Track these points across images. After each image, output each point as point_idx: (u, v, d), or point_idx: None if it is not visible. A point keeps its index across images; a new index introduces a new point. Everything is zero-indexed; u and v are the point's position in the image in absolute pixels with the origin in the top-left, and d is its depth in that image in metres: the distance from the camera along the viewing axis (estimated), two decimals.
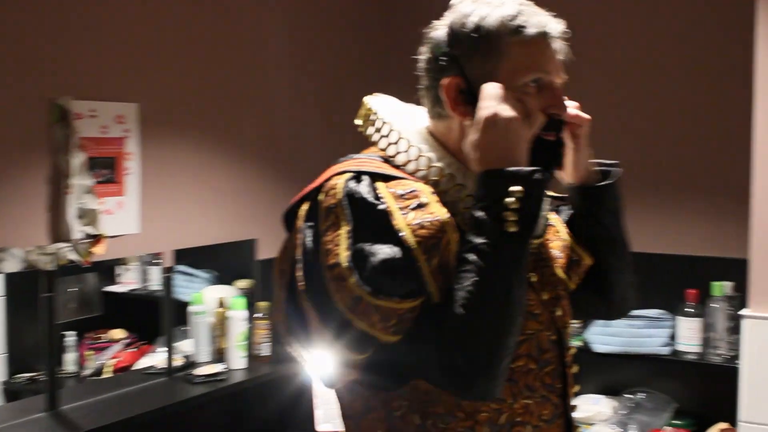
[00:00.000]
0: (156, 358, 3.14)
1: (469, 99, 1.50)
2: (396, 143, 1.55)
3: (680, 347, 3.27)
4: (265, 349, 3.28)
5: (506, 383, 1.49)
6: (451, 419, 1.50)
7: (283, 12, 3.54)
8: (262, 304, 3.29)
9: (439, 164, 1.52)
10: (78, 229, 2.72)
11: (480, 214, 1.41)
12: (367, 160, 1.53)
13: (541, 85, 1.50)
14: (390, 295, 1.39)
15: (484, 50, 1.49)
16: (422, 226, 1.40)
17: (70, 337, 3.04)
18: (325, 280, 1.43)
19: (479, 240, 1.40)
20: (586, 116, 1.61)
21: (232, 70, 3.32)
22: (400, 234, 1.39)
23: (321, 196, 1.48)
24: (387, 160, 1.55)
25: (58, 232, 2.70)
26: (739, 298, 3.22)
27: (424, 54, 1.58)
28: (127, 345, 3.19)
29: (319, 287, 1.44)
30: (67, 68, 2.72)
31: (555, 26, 1.51)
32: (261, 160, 3.46)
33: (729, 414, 3.22)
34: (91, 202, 2.73)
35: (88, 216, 2.72)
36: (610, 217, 1.69)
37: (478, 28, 1.49)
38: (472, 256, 1.40)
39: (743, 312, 2.62)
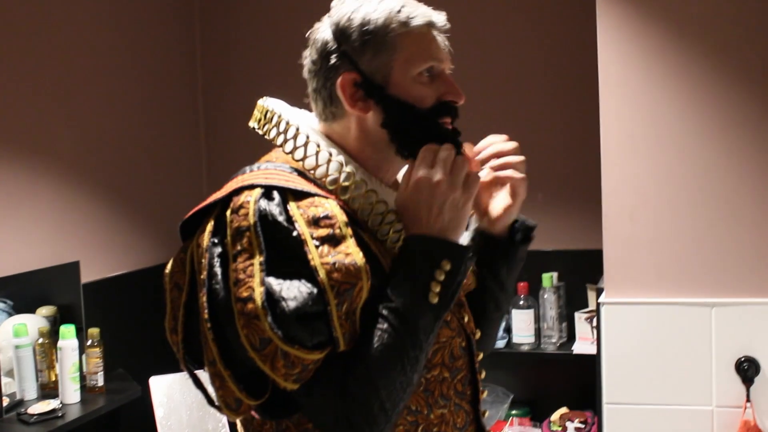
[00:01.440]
0: None
1: (367, 93, 1.49)
2: (304, 146, 1.51)
3: (515, 339, 3.36)
4: (99, 380, 3.09)
5: (422, 394, 1.51)
6: None
7: (103, 15, 3.43)
8: (93, 331, 3.10)
9: (349, 168, 1.49)
10: None
11: (405, 278, 1.42)
12: (275, 172, 1.47)
13: (433, 74, 1.52)
14: (301, 345, 1.34)
15: (375, 44, 1.50)
16: (337, 269, 1.35)
17: None
18: (234, 311, 1.35)
19: (399, 302, 1.40)
20: (522, 175, 1.63)
21: (45, 75, 3.16)
22: (316, 275, 1.34)
23: (228, 213, 1.40)
24: (295, 168, 1.50)
25: None
26: (564, 287, 3.37)
27: (309, 56, 1.56)
28: None
29: (225, 317, 1.38)
30: None
31: (438, 17, 1.54)
32: (80, 175, 3.32)
33: (564, 399, 3.43)
34: None
35: None
36: (505, 272, 1.72)
37: (366, 23, 1.49)
38: (389, 315, 1.40)
39: (601, 299, 2.72)
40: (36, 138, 3.09)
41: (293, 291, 1.34)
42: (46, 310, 3.17)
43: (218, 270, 1.39)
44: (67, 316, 3.17)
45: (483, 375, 1.64)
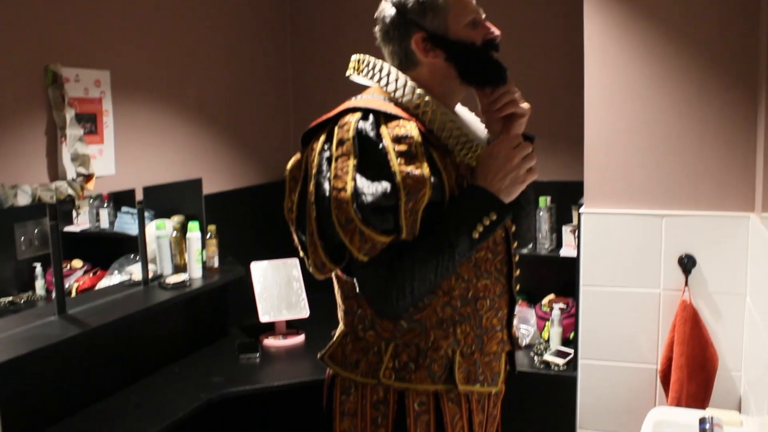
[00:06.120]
0: (112, 280, 3.02)
1: (434, 44, 1.57)
2: (395, 81, 1.59)
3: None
4: (215, 262, 3.26)
5: (472, 268, 1.57)
6: (433, 296, 1.55)
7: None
8: (211, 227, 3.26)
9: (421, 91, 1.57)
10: (73, 170, 2.63)
11: (461, 212, 1.50)
12: (373, 100, 1.57)
13: (476, 23, 1.60)
14: (373, 227, 1.43)
15: (431, 8, 1.57)
16: (410, 176, 1.44)
17: (38, 268, 2.82)
18: (330, 195, 1.45)
19: (451, 226, 1.48)
20: (527, 107, 1.64)
21: (179, 46, 3.25)
22: (393, 176, 1.43)
23: (336, 129, 1.50)
24: (388, 98, 1.58)
25: (57, 172, 2.61)
26: (555, 208, 3.46)
27: (381, 30, 1.64)
28: (86, 272, 3.09)
29: (324, 201, 1.47)
30: (56, 39, 2.59)
31: None
32: (202, 114, 3.41)
33: (552, 288, 3.46)
34: (82, 147, 2.63)
35: (80, 159, 2.63)
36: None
37: None
38: (440, 232, 1.48)
39: (582, 210, 2.76)
40: (171, 86, 3.18)
41: (372, 189, 1.42)
42: (176, 218, 3.30)
43: (324, 168, 1.48)
44: (192, 218, 3.28)
45: (517, 258, 1.69)
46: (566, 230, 3.37)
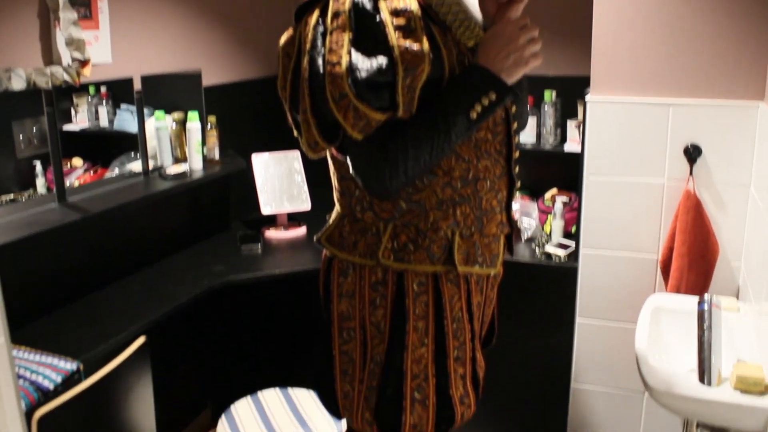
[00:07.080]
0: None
1: None
2: None
3: (522, 139, 3.32)
4: (216, 154, 3.21)
5: (473, 149, 1.53)
6: (433, 177, 1.52)
7: None
8: (211, 118, 3.20)
9: None
10: (68, 55, 2.55)
11: (460, 90, 1.43)
12: None
13: None
14: (368, 103, 1.37)
15: None
16: (408, 51, 1.37)
17: (38, 166, 2.74)
18: (324, 70, 1.39)
19: (449, 105, 1.42)
20: None
21: None
22: (391, 50, 1.37)
23: (331, 1, 1.42)
24: None
25: (52, 57, 2.53)
26: (560, 103, 3.39)
27: None
28: (86, 170, 3.04)
29: (318, 77, 1.40)
30: None
31: None
32: (201, 6, 3.29)
33: (554, 183, 3.43)
34: (76, 32, 2.55)
35: (75, 43, 2.55)
36: None
37: None
38: (437, 111, 1.42)
39: (587, 98, 2.70)
40: None
41: (367, 64, 1.36)
42: (176, 114, 3.23)
43: (319, 43, 1.40)
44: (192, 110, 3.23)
45: (517, 140, 1.64)
46: (571, 125, 3.30)
